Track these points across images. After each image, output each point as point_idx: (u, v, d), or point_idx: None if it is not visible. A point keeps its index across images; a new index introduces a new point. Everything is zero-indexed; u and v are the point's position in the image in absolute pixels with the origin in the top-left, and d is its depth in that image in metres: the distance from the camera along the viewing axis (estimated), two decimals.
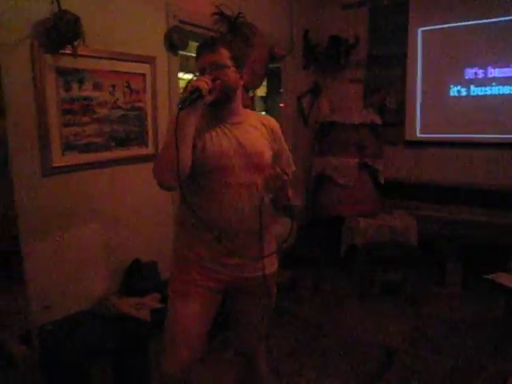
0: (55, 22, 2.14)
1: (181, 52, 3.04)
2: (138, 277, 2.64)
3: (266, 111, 4.74)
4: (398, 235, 3.90)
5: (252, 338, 1.90)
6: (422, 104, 4.32)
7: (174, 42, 2.84)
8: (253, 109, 3.71)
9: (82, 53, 2.29)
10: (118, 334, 2.33)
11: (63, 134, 2.32)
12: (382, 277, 3.78)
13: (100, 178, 2.54)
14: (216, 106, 1.64)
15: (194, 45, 3.11)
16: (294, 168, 1.90)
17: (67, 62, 2.28)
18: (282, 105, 4.49)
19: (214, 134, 1.65)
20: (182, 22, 2.91)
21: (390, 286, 3.76)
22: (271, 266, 1.79)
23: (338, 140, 4.35)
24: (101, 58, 2.45)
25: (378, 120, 4.33)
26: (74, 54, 2.25)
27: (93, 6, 2.39)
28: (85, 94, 2.40)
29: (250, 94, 3.62)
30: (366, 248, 3.92)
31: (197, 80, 1.52)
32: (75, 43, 2.23)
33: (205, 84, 1.49)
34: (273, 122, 1.83)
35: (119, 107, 2.60)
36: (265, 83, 4.48)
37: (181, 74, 3.30)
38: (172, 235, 1.90)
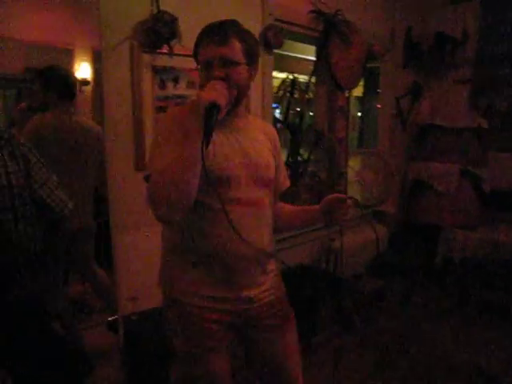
0: (154, 23, 2.21)
1: (276, 51, 2.99)
2: None
3: (362, 112, 4.56)
4: (503, 251, 3.54)
5: (292, 372, 1.56)
6: None
7: (268, 40, 2.81)
8: (348, 110, 3.58)
9: (178, 52, 2.33)
10: None
11: None
12: (482, 295, 3.46)
13: None
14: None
15: (288, 43, 3.07)
16: (289, 184, 1.64)
17: (163, 61, 2.35)
18: (379, 106, 4.30)
19: (215, 139, 1.29)
20: (277, 20, 2.87)
21: (490, 305, 3.42)
22: (280, 287, 1.56)
23: (438, 145, 4.08)
24: None
25: (484, 124, 3.98)
26: (171, 54, 2.31)
27: (189, 6, 2.44)
28: (179, 92, 2.46)
29: (346, 94, 3.48)
30: (465, 262, 3.62)
31: (211, 91, 1.19)
32: (172, 43, 2.28)
33: (223, 98, 1.20)
34: (274, 130, 1.59)
35: None
36: (361, 83, 4.31)
37: (275, 73, 3.27)
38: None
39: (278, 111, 3.96)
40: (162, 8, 2.25)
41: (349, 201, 1.43)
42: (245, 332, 1.49)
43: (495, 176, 4.02)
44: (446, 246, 3.80)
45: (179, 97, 2.45)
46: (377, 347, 2.98)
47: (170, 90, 2.41)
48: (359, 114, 4.74)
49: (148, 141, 2.34)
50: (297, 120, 3.44)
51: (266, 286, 1.47)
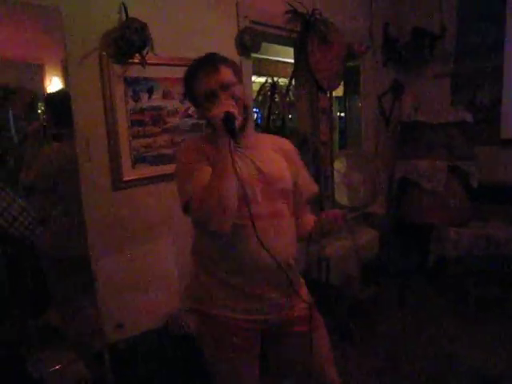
0: (123, 31, 2.07)
1: (253, 54, 2.87)
2: None
3: (344, 112, 4.47)
4: (497, 246, 3.47)
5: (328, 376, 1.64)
6: None
7: (246, 44, 2.69)
8: (331, 112, 3.48)
9: (151, 61, 2.20)
10: (190, 355, 2.21)
11: (133, 146, 2.25)
12: (479, 293, 3.37)
13: (172, 191, 2.42)
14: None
15: (266, 46, 2.96)
16: (315, 188, 1.71)
17: (136, 72, 2.21)
18: (360, 105, 4.21)
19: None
20: (253, 22, 2.75)
21: (488, 303, 3.35)
22: (307, 296, 1.62)
23: (423, 141, 3.99)
24: (170, 65, 2.35)
25: (469, 118, 3.90)
26: (143, 63, 2.17)
27: (160, 13, 2.31)
28: (154, 103, 2.32)
29: (327, 95, 3.38)
30: (459, 260, 3.54)
31: (222, 105, 1.33)
32: (143, 52, 2.15)
33: (233, 108, 1.32)
34: (286, 141, 1.68)
35: (190, 116, 2.49)
36: (341, 82, 4.21)
37: (254, 78, 3.14)
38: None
39: (258, 116, 3.85)
40: (130, 15, 2.11)
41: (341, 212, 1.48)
42: (275, 338, 1.59)
43: (482, 170, 3.96)
44: (438, 245, 3.72)
45: (155, 108, 2.31)
46: (376, 354, 2.87)
47: (145, 101, 2.27)
48: (341, 114, 4.65)
49: (125, 157, 2.21)
50: (279, 124, 3.33)
51: (293, 295, 1.53)
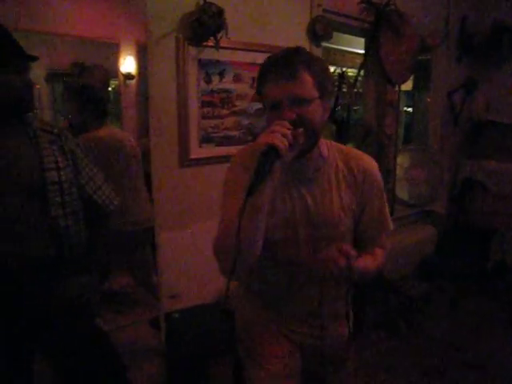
0: (200, 15, 2.15)
1: (324, 44, 2.88)
2: None
3: (413, 107, 4.37)
4: None
5: None
6: None
7: (317, 32, 2.70)
8: (398, 105, 3.42)
9: (224, 45, 2.27)
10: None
11: (202, 126, 2.34)
12: None
13: None
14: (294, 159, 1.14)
15: (337, 36, 2.95)
16: (390, 228, 1.37)
17: (209, 54, 2.28)
18: (429, 100, 4.10)
19: (281, 194, 1.23)
20: (325, 11, 2.75)
21: None
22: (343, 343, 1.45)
23: (494, 142, 3.86)
24: (242, 49, 2.41)
25: None
26: (217, 46, 2.24)
27: None
28: (225, 86, 2.39)
29: (396, 88, 3.33)
30: None
31: (269, 133, 1.02)
32: (218, 35, 2.22)
33: (283, 139, 1.01)
34: (367, 164, 1.30)
35: (258, 100, 2.55)
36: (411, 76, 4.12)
37: None
38: None
39: None
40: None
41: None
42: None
43: None
44: (499, 251, 3.59)
45: (225, 91, 2.39)
46: (423, 354, 2.84)
47: (216, 83, 2.35)
48: (408, 108, 4.55)
49: (193, 136, 2.30)
50: (344, 115, 3.32)
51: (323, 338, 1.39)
